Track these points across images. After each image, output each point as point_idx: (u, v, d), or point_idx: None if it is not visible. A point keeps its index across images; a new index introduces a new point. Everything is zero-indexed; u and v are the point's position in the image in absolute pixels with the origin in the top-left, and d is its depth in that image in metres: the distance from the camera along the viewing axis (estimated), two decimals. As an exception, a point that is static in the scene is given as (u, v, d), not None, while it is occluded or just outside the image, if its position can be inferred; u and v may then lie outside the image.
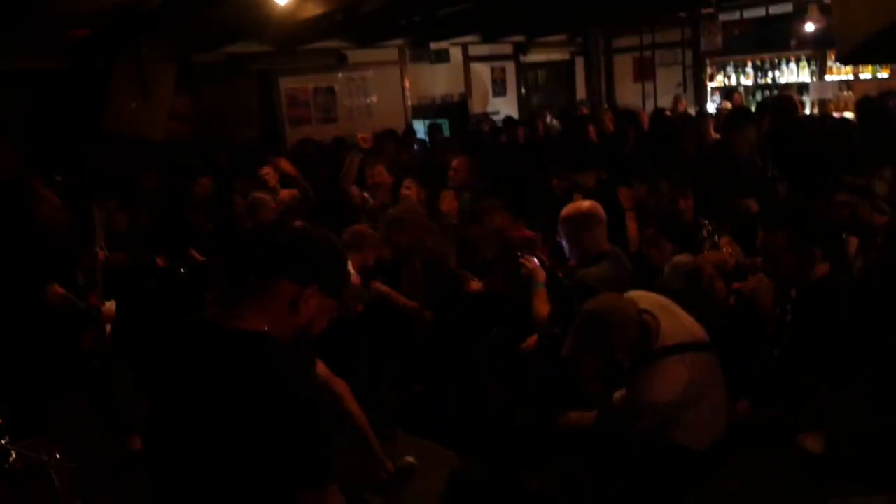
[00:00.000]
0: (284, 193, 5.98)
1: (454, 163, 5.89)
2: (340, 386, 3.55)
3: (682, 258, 3.55)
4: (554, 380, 3.44)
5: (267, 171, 6.24)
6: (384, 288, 4.55)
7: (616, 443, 2.97)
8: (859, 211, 3.48)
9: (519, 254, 3.73)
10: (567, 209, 3.74)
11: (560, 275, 3.66)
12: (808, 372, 2.67)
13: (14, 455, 3.43)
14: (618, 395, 2.99)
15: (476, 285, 4.63)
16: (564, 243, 3.70)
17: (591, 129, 8.00)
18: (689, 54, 11.98)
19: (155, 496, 1.88)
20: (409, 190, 5.29)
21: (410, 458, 4.15)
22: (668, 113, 9.25)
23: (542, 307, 3.48)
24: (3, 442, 3.22)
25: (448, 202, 5.44)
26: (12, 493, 3.35)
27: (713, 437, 2.89)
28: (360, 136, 5.88)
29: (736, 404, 2.99)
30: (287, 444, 1.63)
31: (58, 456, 3.83)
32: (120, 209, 6.42)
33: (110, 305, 4.66)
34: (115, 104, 5.90)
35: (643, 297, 2.97)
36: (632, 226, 4.63)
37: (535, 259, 3.67)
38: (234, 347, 1.70)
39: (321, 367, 3.67)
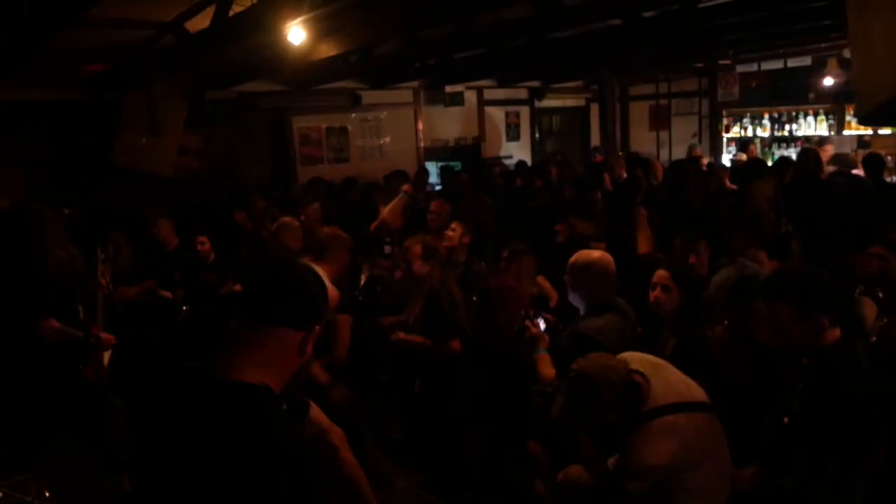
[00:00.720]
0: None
1: (433, 205, 5.88)
2: (337, 435, 3.42)
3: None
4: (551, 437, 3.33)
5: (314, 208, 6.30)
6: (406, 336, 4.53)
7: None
8: (890, 266, 3.37)
9: (523, 313, 3.63)
10: (576, 257, 3.68)
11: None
12: (818, 442, 2.54)
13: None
14: (612, 459, 2.87)
15: None
16: (570, 291, 3.63)
17: (606, 177, 7.96)
18: (705, 104, 11.99)
19: None
20: (454, 232, 5.26)
21: (405, 513, 4.02)
22: (704, 162, 9.20)
23: (547, 371, 3.38)
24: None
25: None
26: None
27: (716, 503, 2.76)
28: (404, 188, 6.01)
29: (742, 471, 2.87)
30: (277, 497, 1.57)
31: (47, 495, 3.72)
32: (126, 243, 6.41)
33: (108, 337, 4.59)
34: (126, 139, 5.91)
35: (634, 358, 2.89)
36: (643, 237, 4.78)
37: (542, 321, 3.59)
38: (228, 400, 1.65)
39: (319, 414, 3.56)
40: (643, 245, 4.91)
